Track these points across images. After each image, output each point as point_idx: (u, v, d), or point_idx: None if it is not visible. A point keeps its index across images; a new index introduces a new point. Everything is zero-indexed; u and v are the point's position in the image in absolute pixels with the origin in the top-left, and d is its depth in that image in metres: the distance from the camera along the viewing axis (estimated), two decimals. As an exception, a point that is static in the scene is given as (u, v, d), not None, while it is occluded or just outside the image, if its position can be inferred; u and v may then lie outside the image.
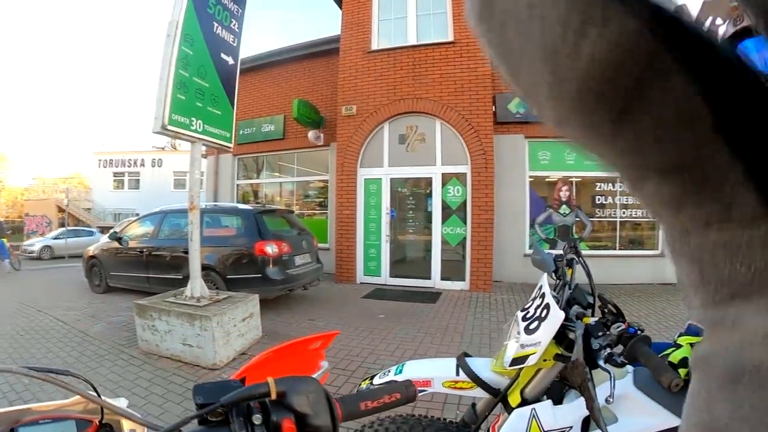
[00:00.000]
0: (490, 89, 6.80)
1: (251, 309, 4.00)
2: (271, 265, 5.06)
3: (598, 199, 7.20)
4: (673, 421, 0.96)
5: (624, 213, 7.21)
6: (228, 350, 3.56)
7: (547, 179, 7.25)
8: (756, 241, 0.16)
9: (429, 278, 6.81)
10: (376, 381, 1.30)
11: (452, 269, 6.76)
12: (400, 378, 1.25)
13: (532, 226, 6.98)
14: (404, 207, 7.18)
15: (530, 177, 7.11)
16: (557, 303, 1.06)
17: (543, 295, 1.12)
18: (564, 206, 7.06)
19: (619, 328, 0.98)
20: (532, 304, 1.17)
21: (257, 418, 0.42)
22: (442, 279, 6.75)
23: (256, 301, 4.10)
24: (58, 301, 5.96)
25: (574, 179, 7.17)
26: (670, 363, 1.27)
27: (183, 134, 3.80)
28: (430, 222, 6.84)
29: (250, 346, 3.85)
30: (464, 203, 6.68)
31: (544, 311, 1.07)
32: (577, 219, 7.05)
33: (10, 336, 4.20)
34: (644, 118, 0.15)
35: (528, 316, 1.13)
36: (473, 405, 1.29)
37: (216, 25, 4.08)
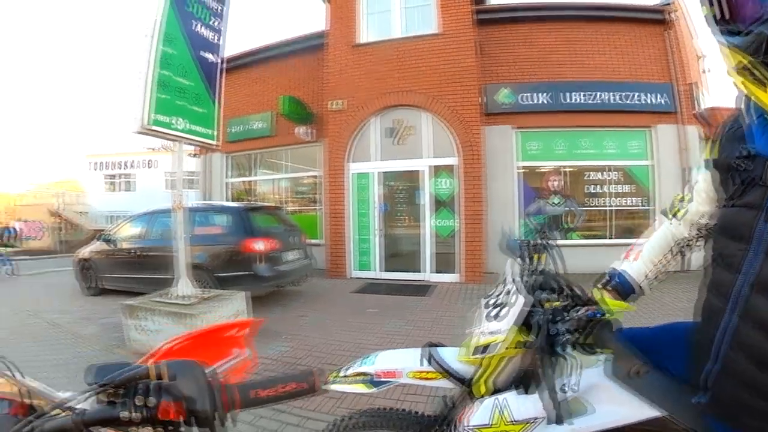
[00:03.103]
0: (477, 80, 6.78)
1: (238, 306, 3.98)
2: (259, 262, 5.04)
3: (589, 189, 7.20)
4: (651, 411, 0.89)
5: (615, 202, 7.23)
6: (216, 349, 3.58)
7: (538, 169, 7.25)
8: None
9: (421, 271, 6.83)
10: (343, 372, 1.26)
11: (444, 261, 6.78)
12: (368, 369, 1.21)
13: (524, 216, 6.99)
14: (395, 200, 7.18)
15: (520, 168, 7.11)
16: (521, 288, 1.01)
17: (506, 281, 1.08)
18: (555, 196, 7.07)
19: (579, 312, 0.89)
20: (496, 290, 1.13)
21: (139, 399, 0.44)
22: (434, 271, 6.77)
23: (243, 299, 4.06)
24: (52, 305, 5.94)
25: (564, 169, 7.17)
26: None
27: (165, 134, 3.79)
28: (421, 215, 6.84)
29: (239, 344, 3.85)
30: (454, 195, 6.68)
31: (507, 297, 1.03)
32: (568, 209, 7.07)
33: (1, 339, 4.20)
34: None
35: (492, 302, 1.10)
36: (444, 396, 1.25)
37: (195, 23, 4.06)
